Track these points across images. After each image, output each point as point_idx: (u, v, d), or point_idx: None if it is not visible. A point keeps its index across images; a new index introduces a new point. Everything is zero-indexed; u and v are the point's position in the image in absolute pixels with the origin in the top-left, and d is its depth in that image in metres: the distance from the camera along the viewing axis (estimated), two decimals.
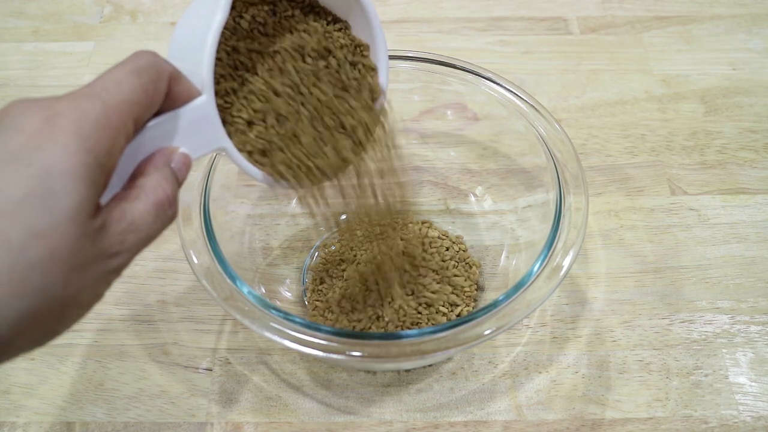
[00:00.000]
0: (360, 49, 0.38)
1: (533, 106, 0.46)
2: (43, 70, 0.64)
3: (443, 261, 0.48)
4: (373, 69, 0.38)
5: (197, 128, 0.30)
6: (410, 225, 0.51)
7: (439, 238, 0.50)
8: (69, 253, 0.23)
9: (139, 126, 0.27)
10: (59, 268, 0.22)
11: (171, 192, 0.28)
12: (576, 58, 0.63)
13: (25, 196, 0.22)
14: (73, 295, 0.24)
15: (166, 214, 0.27)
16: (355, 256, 0.48)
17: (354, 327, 0.45)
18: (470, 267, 0.49)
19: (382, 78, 0.38)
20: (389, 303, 0.45)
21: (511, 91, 0.47)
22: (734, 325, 0.47)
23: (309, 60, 0.35)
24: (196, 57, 0.30)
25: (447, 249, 0.49)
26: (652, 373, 0.45)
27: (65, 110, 0.24)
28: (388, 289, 0.45)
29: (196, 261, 0.39)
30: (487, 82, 0.47)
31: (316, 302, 0.47)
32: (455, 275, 0.47)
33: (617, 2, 0.68)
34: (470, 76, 0.48)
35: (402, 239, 0.49)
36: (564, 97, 0.60)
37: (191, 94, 0.29)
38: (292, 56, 0.35)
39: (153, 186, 0.27)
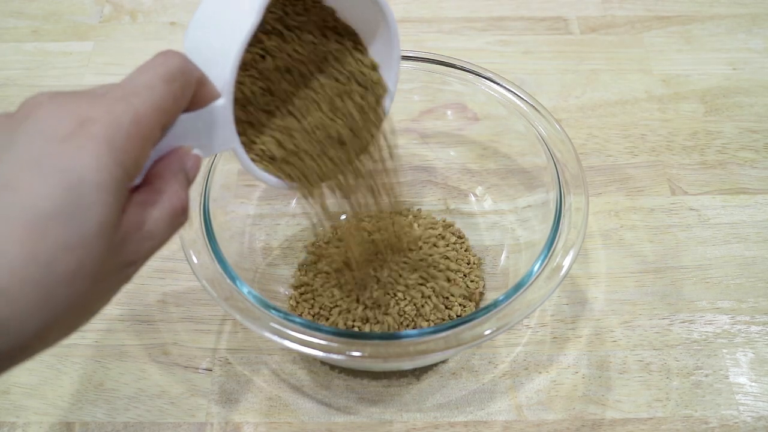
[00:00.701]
0: (375, 82, 0.38)
1: (533, 106, 0.46)
2: (43, 70, 0.63)
3: (445, 257, 0.48)
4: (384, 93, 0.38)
5: (212, 129, 0.30)
6: (405, 218, 0.51)
7: (440, 234, 0.50)
8: (94, 266, 0.23)
9: (164, 132, 0.27)
10: (84, 281, 0.22)
11: (185, 198, 0.28)
12: (576, 58, 0.63)
13: (56, 208, 0.21)
14: (90, 304, 0.24)
15: (180, 221, 0.27)
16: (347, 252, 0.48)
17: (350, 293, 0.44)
18: (471, 264, 0.48)
19: (389, 95, 0.39)
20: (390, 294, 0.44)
21: (511, 91, 0.47)
22: (734, 326, 0.47)
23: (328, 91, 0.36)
24: (218, 58, 0.29)
25: (454, 242, 0.49)
26: (653, 374, 0.45)
27: (98, 116, 0.23)
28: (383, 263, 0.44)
29: (196, 261, 0.39)
30: (487, 82, 0.47)
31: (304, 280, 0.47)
32: (457, 270, 0.47)
33: (617, 2, 0.68)
34: (470, 76, 0.48)
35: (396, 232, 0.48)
36: (564, 97, 0.60)
37: (212, 97, 0.29)
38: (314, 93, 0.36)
39: (169, 193, 0.27)
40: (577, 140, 0.56)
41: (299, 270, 0.49)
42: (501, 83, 0.47)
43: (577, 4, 0.68)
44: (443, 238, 0.50)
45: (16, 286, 0.21)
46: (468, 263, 0.49)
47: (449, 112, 0.53)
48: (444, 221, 0.51)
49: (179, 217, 0.27)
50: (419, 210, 0.53)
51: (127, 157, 0.23)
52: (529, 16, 0.67)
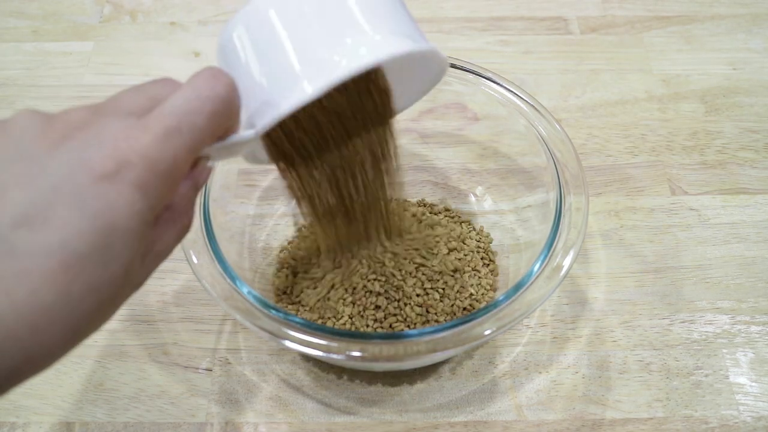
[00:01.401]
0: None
1: (533, 106, 0.46)
2: (43, 70, 0.63)
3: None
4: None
5: (232, 148, 0.29)
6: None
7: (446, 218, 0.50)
8: (114, 300, 0.24)
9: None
10: (105, 314, 0.24)
11: (192, 214, 0.28)
12: (576, 58, 0.63)
13: (89, 250, 0.22)
14: (100, 324, 0.25)
15: (184, 235, 0.28)
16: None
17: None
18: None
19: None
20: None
21: (511, 91, 0.47)
22: (734, 326, 0.47)
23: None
24: (259, 95, 0.28)
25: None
26: (653, 374, 0.45)
27: (138, 161, 0.23)
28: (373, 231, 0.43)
29: (196, 261, 0.39)
30: (487, 82, 0.47)
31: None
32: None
33: (617, 2, 0.68)
34: (470, 76, 0.48)
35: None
36: (564, 97, 0.60)
37: (237, 129, 0.29)
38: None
39: (180, 211, 0.27)
40: (577, 140, 0.56)
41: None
42: (501, 83, 0.47)
43: (577, 4, 0.68)
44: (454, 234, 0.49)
45: (45, 322, 0.22)
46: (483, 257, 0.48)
47: (449, 112, 0.53)
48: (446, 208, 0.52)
49: (185, 233, 0.28)
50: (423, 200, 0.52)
51: (159, 202, 0.24)
52: (529, 16, 0.67)
